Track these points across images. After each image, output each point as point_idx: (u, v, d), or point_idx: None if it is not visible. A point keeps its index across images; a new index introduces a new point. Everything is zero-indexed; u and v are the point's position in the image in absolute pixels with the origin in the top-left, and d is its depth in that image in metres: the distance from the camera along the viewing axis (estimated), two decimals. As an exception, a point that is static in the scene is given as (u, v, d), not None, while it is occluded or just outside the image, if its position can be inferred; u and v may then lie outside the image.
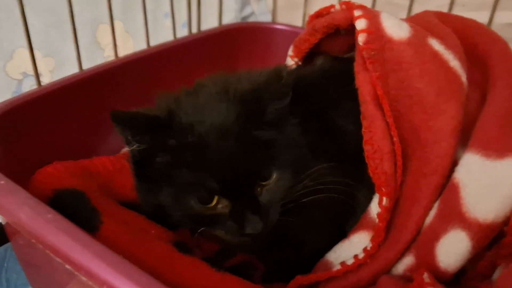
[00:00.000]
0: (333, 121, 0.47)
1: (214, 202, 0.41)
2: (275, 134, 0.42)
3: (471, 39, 0.47)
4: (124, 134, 0.40)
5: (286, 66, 0.43)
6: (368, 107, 0.42)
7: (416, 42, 0.42)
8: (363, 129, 0.42)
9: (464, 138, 0.41)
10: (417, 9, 0.73)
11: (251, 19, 0.93)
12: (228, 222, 0.42)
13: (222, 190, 0.40)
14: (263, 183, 0.42)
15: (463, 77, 0.42)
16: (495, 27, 0.70)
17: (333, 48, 0.53)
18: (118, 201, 0.49)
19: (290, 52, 0.56)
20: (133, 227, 0.45)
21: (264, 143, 0.41)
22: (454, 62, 0.42)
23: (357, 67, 0.42)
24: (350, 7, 0.46)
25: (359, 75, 0.42)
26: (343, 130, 0.46)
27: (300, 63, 0.56)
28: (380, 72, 0.41)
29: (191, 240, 0.50)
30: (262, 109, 0.41)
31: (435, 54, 0.42)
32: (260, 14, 0.92)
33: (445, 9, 0.72)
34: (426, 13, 0.52)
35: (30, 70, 0.58)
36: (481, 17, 0.69)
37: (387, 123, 0.41)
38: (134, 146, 0.41)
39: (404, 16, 0.56)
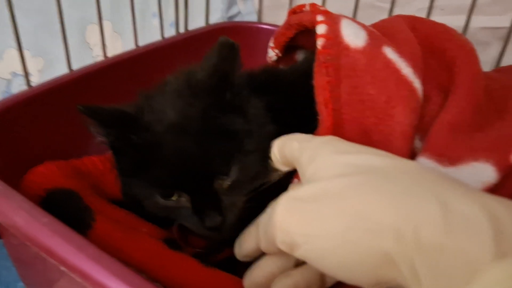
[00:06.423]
0: (302, 115, 0.48)
1: (175, 197, 0.42)
2: (239, 120, 0.42)
3: (441, 45, 0.48)
4: (90, 126, 0.41)
5: (227, 38, 0.44)
6: (320, 107, 0.42)
7: (370, 51, 0.43)
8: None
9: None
10: (398, 12, 0.75)
11: (238, 19, 0.94)
12: (191, 215, 0.42)
13: (179, 186, 0.41)
14: (224, 177, 0.42)
15: (416, 83, 0.43)
16: (472, 31, 0.73)
17: (308, 43, 0.54)
18: (109, 200, 0.51)
19: (271, 43, 0.57)
20: (125, 225, 0.46)
21: (228, 134, 0.41)
22: (406, 70, 0.43)
23: (316, 67, 0.43)
24: (315, 11, 0.47)
25: (317, 75, 0.43)
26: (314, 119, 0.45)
27: (280, 54, 0.57)
28: (332, 77, 0.42)
29: (180, 237, 0.51)
30: (228, 85, 0.41)
31: (388, 63, 0.43)
32: (247, 14, 0.93)
33: (424, 12, 0.74)
34: (397, 18, 0.54)
35: (19, 70, 0.59)
36: (459, 21, 0.72)
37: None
38: (100, 138, 0.42)
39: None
